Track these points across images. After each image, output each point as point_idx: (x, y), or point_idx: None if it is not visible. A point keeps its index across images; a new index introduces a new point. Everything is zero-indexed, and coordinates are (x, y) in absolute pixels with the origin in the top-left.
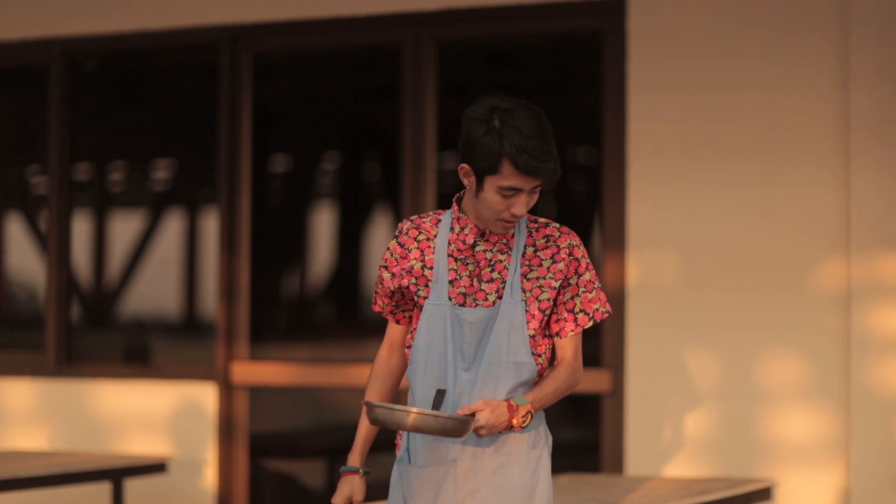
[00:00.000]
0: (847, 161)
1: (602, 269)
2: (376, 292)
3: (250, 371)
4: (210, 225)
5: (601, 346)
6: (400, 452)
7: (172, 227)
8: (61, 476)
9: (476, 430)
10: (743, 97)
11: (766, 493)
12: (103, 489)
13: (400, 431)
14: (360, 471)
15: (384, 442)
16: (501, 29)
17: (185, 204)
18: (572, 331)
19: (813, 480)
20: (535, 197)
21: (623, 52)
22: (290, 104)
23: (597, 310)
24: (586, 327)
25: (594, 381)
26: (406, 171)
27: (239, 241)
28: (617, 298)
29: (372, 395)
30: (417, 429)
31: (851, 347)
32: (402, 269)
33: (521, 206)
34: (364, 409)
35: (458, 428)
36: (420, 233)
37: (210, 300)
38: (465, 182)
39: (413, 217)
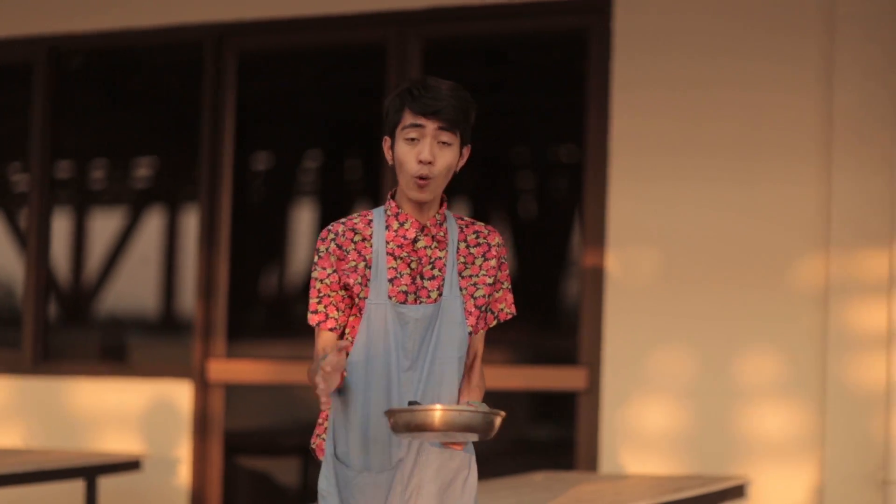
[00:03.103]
0: (829, 158)
1: (581, 266)
2: (319, 300)
3: (226, 369)
4: (190, 223)
5: (578, 343)
6: (325, 456)
7: (153, 224)
8: (35, 474)
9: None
10: (727, 95)
11: (739, 490)
12: (77, 487)
13: (319, 435)
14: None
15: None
16: (486, 27)
17: (167, 201)
18: (482, 328)
19: (787, 477)
20: (448, 153)
21: (608, 50)
22: (273, 102)
23: (501, 310)
24: (491, 326)
25: (570, 379)
26: (387, 170)
27: (219, 238)
28: (595, 295)
29: None
30: (445, 426)
31: (828, 344)
32: (345, 269)
33: (425, 149)
34: (387, 417)
35: (485, 424)
36: (356, 234)
37: (189, 298)
38: (388, 157)
39: (342, 220)
